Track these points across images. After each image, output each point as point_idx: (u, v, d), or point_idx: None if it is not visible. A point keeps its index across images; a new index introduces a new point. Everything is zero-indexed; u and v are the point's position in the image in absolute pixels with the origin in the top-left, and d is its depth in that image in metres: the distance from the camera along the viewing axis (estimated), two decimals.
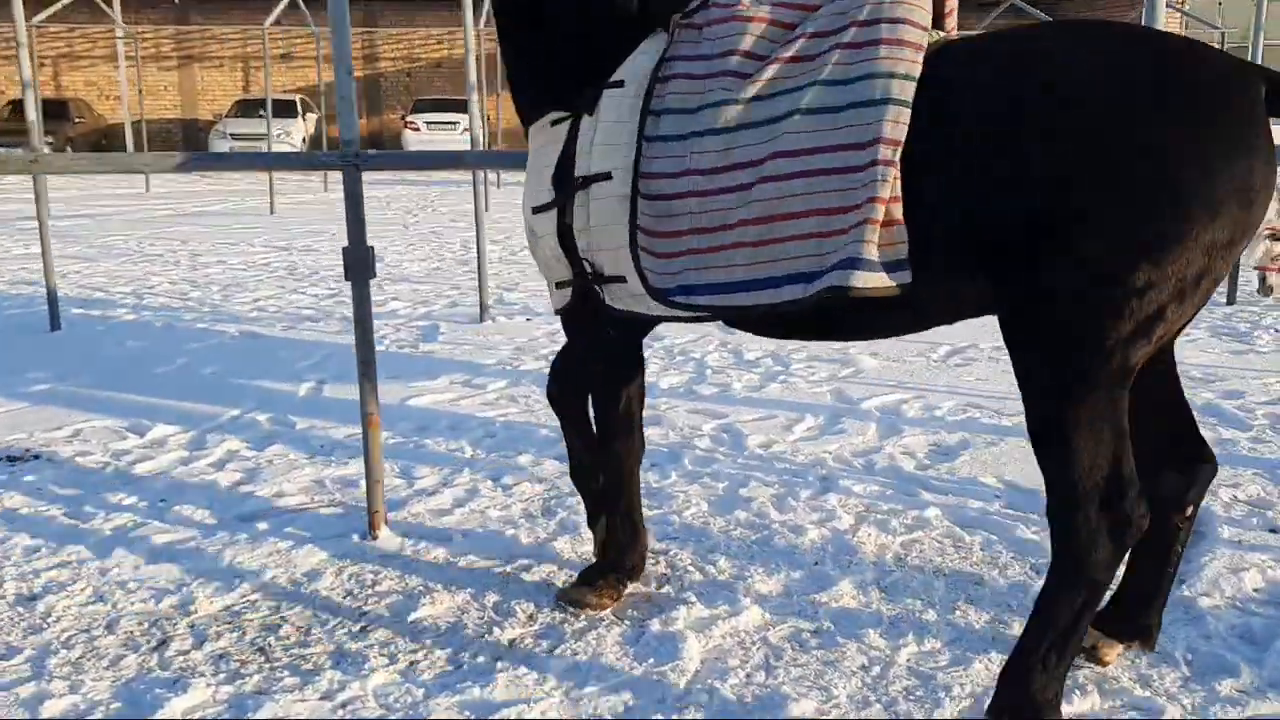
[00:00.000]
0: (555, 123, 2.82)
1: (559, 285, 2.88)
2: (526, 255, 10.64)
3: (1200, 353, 6.34)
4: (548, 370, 3.27)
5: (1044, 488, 2.39)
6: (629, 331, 3.00)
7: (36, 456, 4.46)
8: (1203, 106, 2.19)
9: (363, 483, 4.13)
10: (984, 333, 6.63)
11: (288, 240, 12.09)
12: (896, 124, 2.33)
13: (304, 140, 25.77)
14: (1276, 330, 7.09)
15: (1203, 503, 3.83)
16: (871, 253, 2.34)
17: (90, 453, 4.51)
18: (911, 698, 2.67)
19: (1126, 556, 2.50)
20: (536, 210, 2.82)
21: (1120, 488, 2.32)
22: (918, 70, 2.37)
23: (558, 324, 7.18)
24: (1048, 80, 2.26)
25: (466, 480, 4.19)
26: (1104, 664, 2.77)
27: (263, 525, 3.74)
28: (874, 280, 2.34)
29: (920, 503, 3.92)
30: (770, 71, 2.53)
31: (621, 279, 2.67)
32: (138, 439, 4.70)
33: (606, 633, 2.98)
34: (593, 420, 3.19)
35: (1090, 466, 2.30)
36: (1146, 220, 2.15)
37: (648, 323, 2.87)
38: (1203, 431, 2.77)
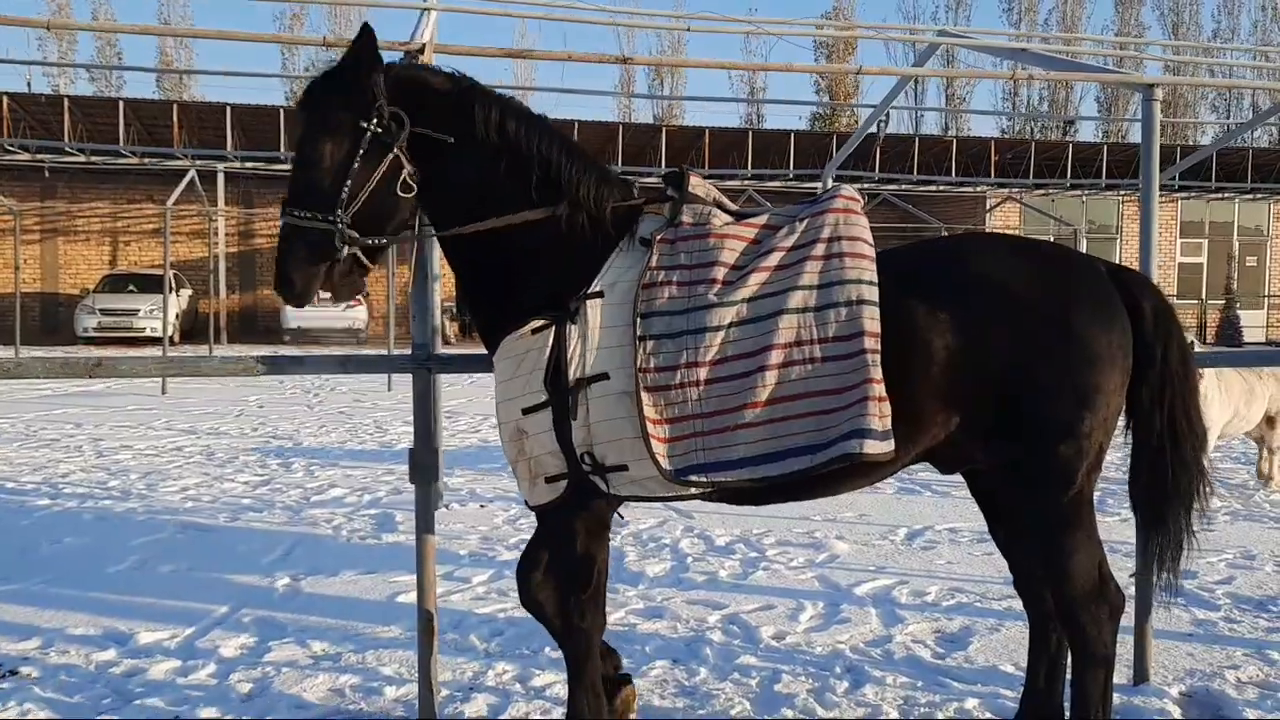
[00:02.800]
0: (536, 330, 2.96)
1: (549, 480, 2.98)
2: (450, 441, 10.54)
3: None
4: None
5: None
6: (608, 511, 3.11)
7: (13, 672, 4.11)
8: (1095, 294, 2.96)
9: (388, 689, 4.00)
10: (934, 513, 6.90)
11: (191, 422, 11.67)
12: (873, 320, 2.84)
13: (177, 316, 25.13)
14: None
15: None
16: (876, 424, 2.77)
17: (74, 665, 4.18)
18: None
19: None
20: (528, 410, 2.94)
21: (1105, 581, 3.01)
22: (875, 277, 2.90)
23: (514, 510, 7.16)
24: (981, 279, 2.92)
25: (493, 681, 4.05)
26: None
27: None
28: (880, 447, 2.77)
29: (955, 693, 3.99)
30: (754, 278, 2.92)
31: (624, 467, 2.90)
32: (120, 648, 4.39)
33: None
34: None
35: (1085, 575, 2.98)
36: (1083, 380, 2.88)
37: (640, 501, 3.11)
38: None
